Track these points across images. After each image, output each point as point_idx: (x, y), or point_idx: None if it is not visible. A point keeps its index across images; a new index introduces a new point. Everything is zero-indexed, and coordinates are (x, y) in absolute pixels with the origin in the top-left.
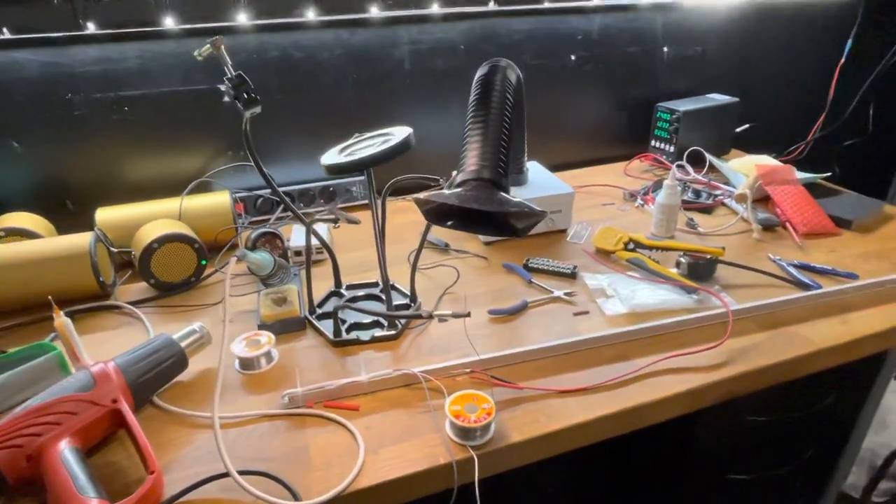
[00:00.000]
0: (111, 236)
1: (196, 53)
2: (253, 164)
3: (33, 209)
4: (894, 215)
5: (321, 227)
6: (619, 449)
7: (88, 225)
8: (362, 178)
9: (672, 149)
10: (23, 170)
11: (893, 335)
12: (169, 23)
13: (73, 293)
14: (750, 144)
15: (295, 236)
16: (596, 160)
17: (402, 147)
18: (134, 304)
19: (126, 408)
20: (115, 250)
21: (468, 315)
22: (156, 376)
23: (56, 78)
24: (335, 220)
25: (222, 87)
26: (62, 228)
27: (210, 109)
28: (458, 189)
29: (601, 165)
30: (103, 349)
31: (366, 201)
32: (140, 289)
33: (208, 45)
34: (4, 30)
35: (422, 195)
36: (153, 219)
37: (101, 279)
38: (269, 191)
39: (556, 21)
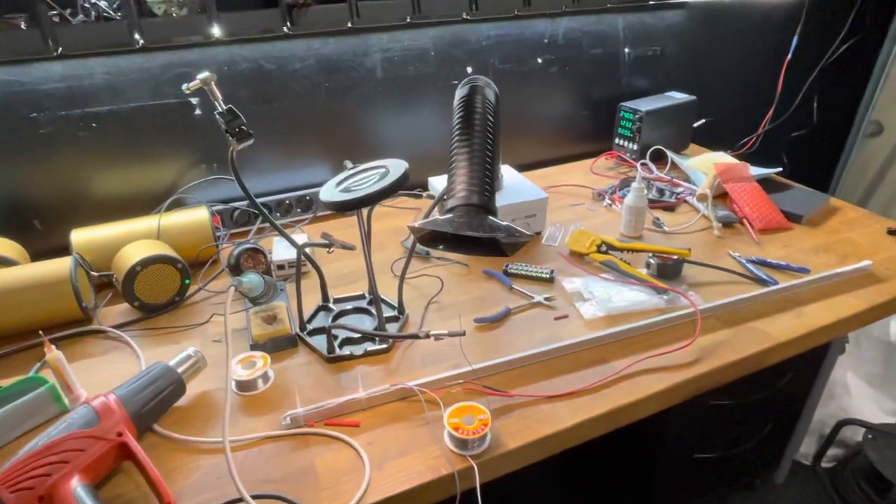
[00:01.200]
0: (88, 258)
1: (184, 87)
2: (237, 182)
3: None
4: (839, 208)
5: (301, 237)
6: (596, 439)
7: (58, 243)
8: None
9: (635, 146)
10: None
11: (842, 326)
12: (139, 39)
13: (55, 320)
14: (706, 139)
15: (276, 249)
16: (562, 158)
17: (402, 182)
18: (119, 327)
19: (132, 440)
20: (95, 274)
21: (463, 334)
22: (157, 405)
23: (18, 96)
24: (329, 246)
25: (194, 101)
26: (30, 248)
27: (181, 123)
28: (450, 215)
29: (568, 164)
30: (94, 377)
31: None
32: (123, 310)
33: (198, 81)
34: None
35: (416, 223)
36: (130, 238)
37: (83, 304)
38: (245, 202)
39: (524, 25)
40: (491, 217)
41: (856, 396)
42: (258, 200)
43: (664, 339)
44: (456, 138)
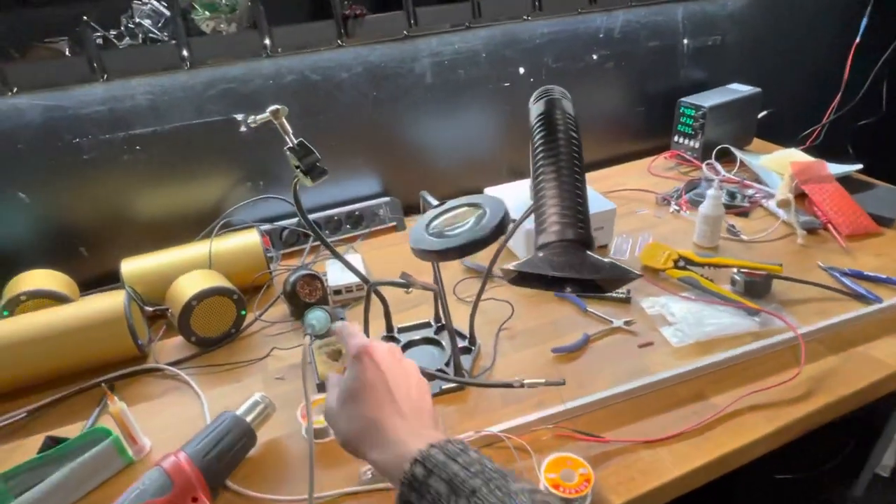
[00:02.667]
0: (139, 289)
1: (250, 121)
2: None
3: (46, 260)
4: None
5: (356, 258)
6: None
7: (105, 270)
8: (388, 199)
9: (696, 144)
10: (32, 221)
11: None
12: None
13: (109, 358)
14: (767, 132)
15: (331, 272)
16: (616, 158)
17: (504, 227)
18: (175, 364)
19: None
20: (149, 309)
21: (563, 383)
22: (229, 461)
23: (60, 122)
24: (407, 286)
25: (238, 117)
26: (78, 276)
27: (226, 141)
28: (543, 253)
29: (622, 164)
30: (154, 421)
31: (393, 223)
32: (177, 344)
33: (267, 115)
34: (15, 88)
35: (511, 265)
36: (181, 267)
37: (139, 341)
38: (294, 220)
39: (580, 20)
40: (590, 254)
41: None
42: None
43: (763, 368)
44: (540, 163)
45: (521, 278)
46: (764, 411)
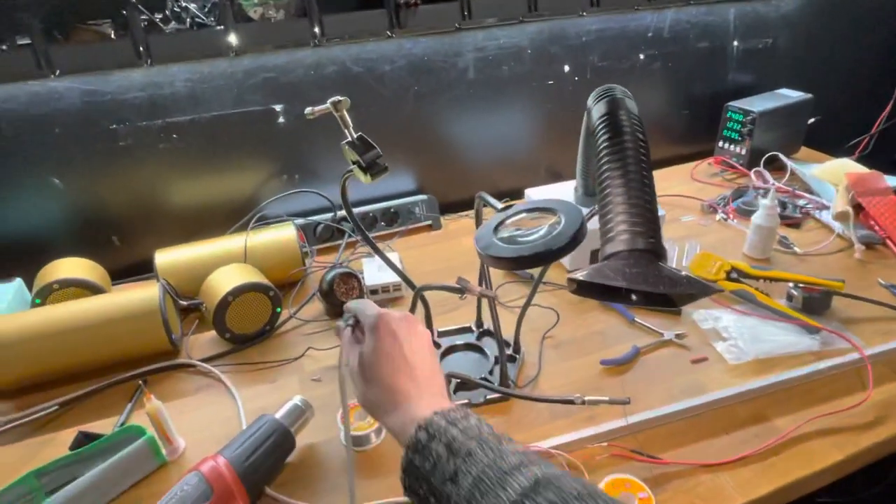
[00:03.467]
0: (173, 281)
1: (308, 112)
2: (353, 223)
3: (77, 249)
4: None
5: (393, 256)
6: None
7: (136, 259)
8: (425, 197)
9: (743, 151)
10: (65, 207)
11: None
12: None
13: (141, 352)
14: (814, 140)
15: (368, 271)
16: (659, 162)
17: (582, 236)
18: (209, 360)
19: None
20: (183, 303)
21: (628, 402)
22: (270, 467)
23: (99, 107)
24: (461, 291)
25: (277, 108)
26: (108, 264)
27: (264, 132)
28: (612, 262)
29: (665, 168)
30: (188, 420)
31: (429, 222)
32: (211, 339)
33: (328, 106)
34: (57, 71)
35: (579, 275)
36: (216, 260)
37: (172, 336)
38: (328, 216)
39: (629, 18)
40: (664, 266)
41: None
42: (341, 213)
43: (826, 391)
44: (605, 166)
45: (584, 288)
46: (832, 437)
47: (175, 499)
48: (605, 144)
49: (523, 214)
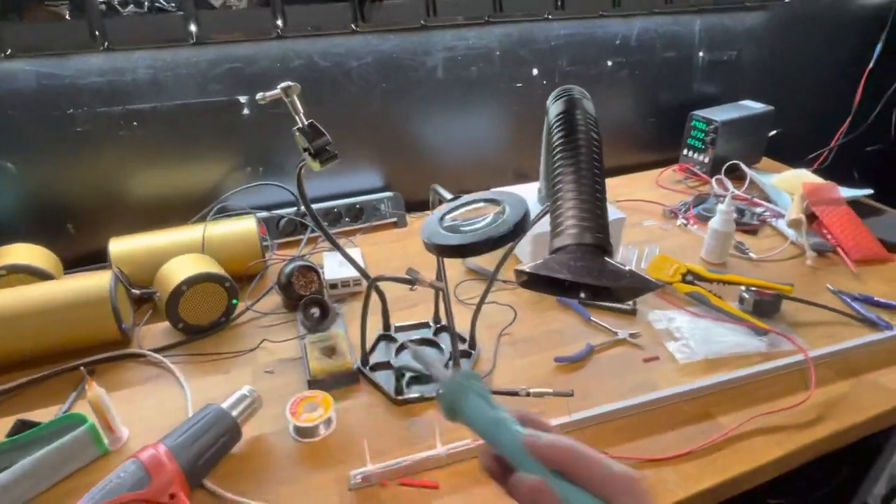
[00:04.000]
0: (127, 270)
1: (259, 97)
2: (308, 213)
3: (31, 235)
4: None
5: (355, 252)
6: None
7: (91, 249)
8: (391, 194)
9: (706, 159)
10: (19, 192)
11: None
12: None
13: (90, 341)
14: (776, 152)
15: (328, 265)
16: (624, 168)
17: (525, 226)
18: (160, 350)
19: (186, 503)
20: (136, 292)
21: (571, 394)
22: (211, 457)
23: (56, 91)
24: (412, 283)
25: (242, 99)
26: (62, 253)
27: (228, 123)
28: (559, 255)
29: (630, 174)
30: (134, 410)
31: (394, 219)
32: (164, 330)
33: (278, 91)
34: (9, 50)
35: (526, 267)
36: (173, 250)
37: (122, 325)
38: (292, 210)
39: (597, 25)
40: (609, 260)
41: None
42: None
43: (770, 391)
44: (559, 163)
45: (533, 282)
46: (773, 434)
47: (110, 486)
48: (559, 141)
49: (471, 205)
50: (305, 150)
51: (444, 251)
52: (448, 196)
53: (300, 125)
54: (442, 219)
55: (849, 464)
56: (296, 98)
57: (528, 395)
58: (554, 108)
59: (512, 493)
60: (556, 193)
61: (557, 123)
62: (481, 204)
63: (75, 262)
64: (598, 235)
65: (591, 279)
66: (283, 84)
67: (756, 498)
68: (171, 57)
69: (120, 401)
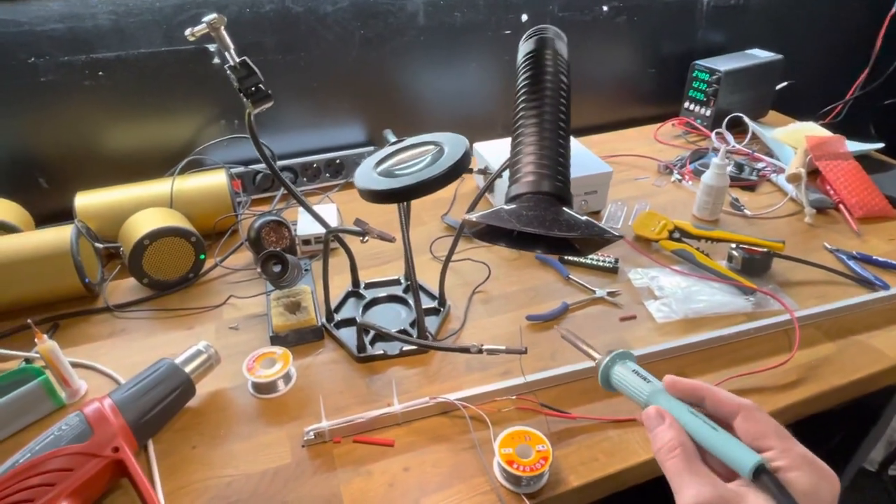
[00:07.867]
0: (94, 226)
1: (188, 33)
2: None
3: (2, 190)
4: None
5: (331, 207)
6: None
7: (66, 204)
8: (372, 149)
9: (708, 112)
10: None
11: None
12: None
13: (56, 296)
14: (786, 105)
15: (302, 222)
16: (622, 123)
17: (461, 168)
18: (126, 306)
19: (130, 458)
20: (100, 246)
21: (524, 351)
22: (161, 412)
23: (14, 38)
24: (363, 235)
25: (211, 48)
26: (37, 209)
27: (197, 73)
28: (514, 205)
29: (628, 129)
30: (96, 362)
31: None
32: (131, 286)
33: (204, 26)
34: None
35: (473, 216)
36: (140, 204)
37: (86, 280)
38: None
39: None
40: (566, 210)
41: None
42: (282, 163)
43: (753, 351)
44: (521, 106)
45: (489, 233)
46: (751, 396)
47: (51, 438)
48: (524, 84)
49: (411, 150)
50: (239, 90)
51: (376, 196)
52: (392, 138)
53: (231, 63)
54: (379, 163)
55: (843, 429)
56: (223, 31)
57: (479, 352)
58: (524, 47)
59: (644, 422)
60: (517, 140)
61: (525, 64)
62: (423, 147)
63: (50, 218)
64: (558, 184)
65: (541, 229)
66: (209, 16)
67: None
68: (134, 2)
69: (83, 354)
